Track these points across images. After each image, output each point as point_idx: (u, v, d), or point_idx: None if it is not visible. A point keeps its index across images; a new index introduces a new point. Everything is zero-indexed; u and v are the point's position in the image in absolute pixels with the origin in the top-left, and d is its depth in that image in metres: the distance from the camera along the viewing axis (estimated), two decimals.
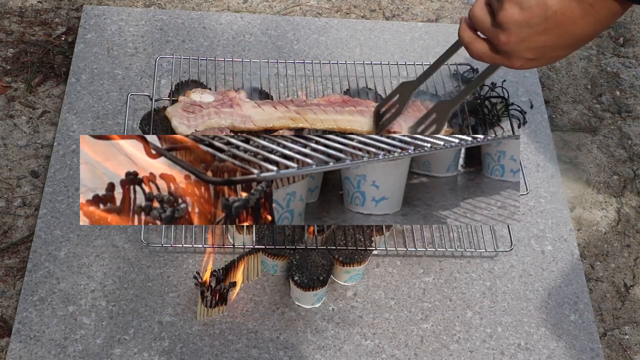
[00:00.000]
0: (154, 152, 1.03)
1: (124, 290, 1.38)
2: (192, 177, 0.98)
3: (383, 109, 1.44)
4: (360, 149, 1.08)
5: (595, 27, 0.82)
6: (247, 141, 1.09)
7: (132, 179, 0.98)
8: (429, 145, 1.13)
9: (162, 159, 1.02)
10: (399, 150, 1.08)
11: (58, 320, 1.34)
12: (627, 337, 1.49)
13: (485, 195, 1.39)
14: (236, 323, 1.36)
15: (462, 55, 1.86)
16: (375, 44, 1.84)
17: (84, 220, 0.98)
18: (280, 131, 1.49)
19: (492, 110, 1.68)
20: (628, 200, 1.69)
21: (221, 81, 1.66)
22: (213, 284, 1.30)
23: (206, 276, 1.30)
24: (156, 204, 0.96)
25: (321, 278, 1.33)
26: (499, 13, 0.85)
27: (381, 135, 1.19)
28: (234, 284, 1.33)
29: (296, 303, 1.40)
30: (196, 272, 1.33)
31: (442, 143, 1.15)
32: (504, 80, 1.78)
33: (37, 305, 1.35)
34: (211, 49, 1.77)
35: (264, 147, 1.05)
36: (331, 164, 0.99)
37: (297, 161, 0.99)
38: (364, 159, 1.02)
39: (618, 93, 1.89)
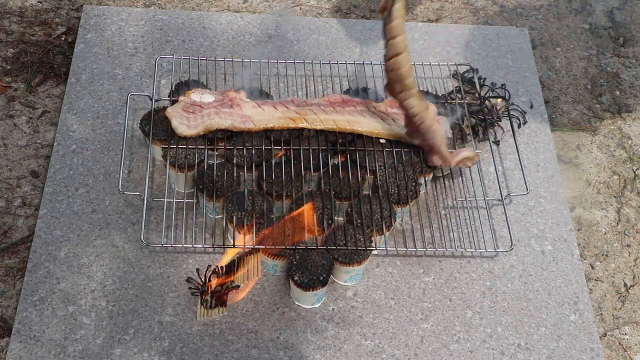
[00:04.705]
0: None
1: (124, 290, 1.38)
2: None
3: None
4: None
5: None
6: None
7: None
8: None
9: None
10: None
11: (58, 320, 1.34)
12: (627, 337, 1.49)
13: None
14: (236, 323, 1.36)
15: (462, 55, 1.87)
16: (375, 44, 1.84)
17: None
18: None
19: (492, 110, 1.68)
20: (628, 200, 1.69)
21: (221, 81, 1.66)
22: (213, 286, 1.30)
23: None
24: None
25: (321, 278, 1.33)
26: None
27: None
28: (236, 286, 1.33)
29: (296, 303, 1.40)
30: (189, 277, 1.33)
31: None
32: (504, 84, 1.78)
33: (37, 305, 1.35)
34: (211, 49, 1.77)
35: None
36: None
37: None
38: None
39: (618, 93, 1.89)
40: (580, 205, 1.67)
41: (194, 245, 1.40)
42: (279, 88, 1.70)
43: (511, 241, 1.48)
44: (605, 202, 1.68)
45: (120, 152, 1.55)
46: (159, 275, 1.41)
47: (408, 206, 1.47)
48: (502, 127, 1.69)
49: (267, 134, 1.51)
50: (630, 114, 1.85)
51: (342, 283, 1.43)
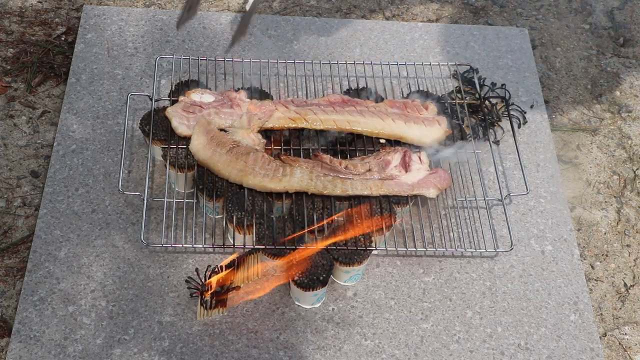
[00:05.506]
0: None
1: (124, 290, 1.38)
2: None
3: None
4: None
5: None
6: None
7: None
8: None
9: None
10: None
11: (58, 320, 1.34)
12: (627, 337, 1.49)
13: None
14: (236, 323, 1.36)
15: (462, 55, 1.86)
16: (375, 44, 1.84)
17: None
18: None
19: (492, 110, 1.68)
20: (628, 200, 1.69)
21: (221, 81, 1.66)
22: (213, 286, 1.30)
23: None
24: None
25: (321, 278, 1.33)
26: None
27: None
28: (236, 287, 1.33)
29: (296, 303, 1.40)
30: (188, 277, 1.33)
31: None
32: (504, 84, 1.78)
33: (37, 305, 1.35)
34: (211, 49, 1.77)
35: None
36: None
37: None
38: None
39: (618, 93, 1.89)
40: (580, 205, 1.67)
41: (194, 246, 1.40)
42: (279, 88, 1.70)
43: (511, 241, 1.48)
44: (605, 202, 1.68)
45: (120, 152, 1.55)
46: (159, 275, 1.41)
47: (408, 206, 1.47)
48: (502, 127, 1.69)
49: (267, 134, 1.51)
50: (630, 114, 1.85)
51: (342, 283, 1.43)
